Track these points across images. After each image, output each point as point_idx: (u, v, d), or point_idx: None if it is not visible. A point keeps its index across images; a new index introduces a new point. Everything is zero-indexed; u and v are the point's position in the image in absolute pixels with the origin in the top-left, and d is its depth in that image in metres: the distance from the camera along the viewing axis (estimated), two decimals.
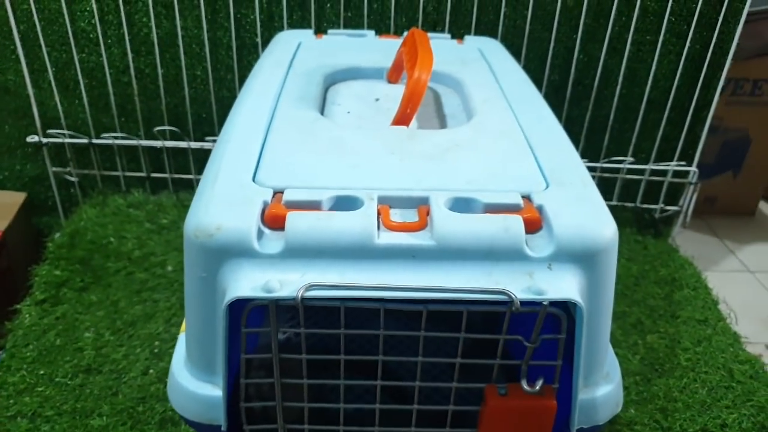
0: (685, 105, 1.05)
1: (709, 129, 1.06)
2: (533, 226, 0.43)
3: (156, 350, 0.78)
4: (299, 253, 0.41)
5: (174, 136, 1.05)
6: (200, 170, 0.88)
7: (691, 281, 0.96)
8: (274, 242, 0.42)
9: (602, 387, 0.47)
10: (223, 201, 0.43)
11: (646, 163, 1.08)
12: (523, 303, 0.41)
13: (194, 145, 1.05)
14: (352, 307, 0.41)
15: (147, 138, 1.06)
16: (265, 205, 0.43)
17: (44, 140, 1.04)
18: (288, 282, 0.40)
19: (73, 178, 1.09)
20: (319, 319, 0.60)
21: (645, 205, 1.12)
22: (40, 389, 0.72)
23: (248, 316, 0.43)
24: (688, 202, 1.10)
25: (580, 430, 0.47)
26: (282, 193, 0.44)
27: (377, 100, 0.64)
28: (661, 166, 1.08)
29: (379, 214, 0.43)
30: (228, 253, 0.41)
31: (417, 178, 0.47)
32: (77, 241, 0.95)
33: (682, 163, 1.07)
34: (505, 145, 0.52)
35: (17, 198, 1.10)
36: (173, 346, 0.50)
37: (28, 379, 0.73)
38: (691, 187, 1.09)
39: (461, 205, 0.44)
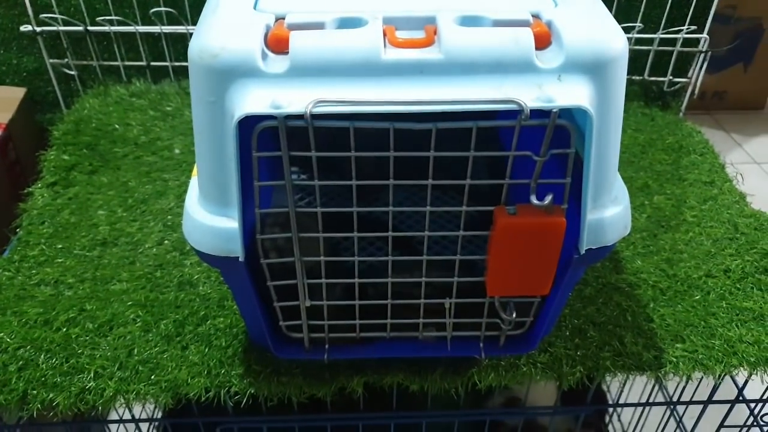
0: None
1: (721, 18, 1.00)
2: (543, 41, 0.42)
3: (169, 223, 0.79)
4: (305, 71, 0.41)
5: (171, 20, 1.02)
6: None
7: (699, 147, 0.96)
8: (279, 63, 0.41)
9: (611, 209, 0.48)
10: (225, 25, 0.42)
11: (655, 33, 1.05)
12: (533, 115, 0.41)
13: (193, 29, 1.02)
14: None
15: (144, 24, 1.03)
16: (268, 28, 0.42)
17: (38, 29, 1.01)
18: (296, 100, 0.40)
19: (72, 71, 1.08)
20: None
21: (652, 78, 1.10)
22: (59, 260, 0.74)
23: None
24: (697, 72, 1.08)
25: (589, 251, 0.48)
26: (284, 18, 0.43)
27: None
28: (670, 35, 1.04)
29: (384, 34, 0.42)
30: (233, 73, 0.41)
31: (423, 1, 0.46)
32: (82, 128, 0.95)
33: (693, 27, 1.04)
34: None
35: (18, 93, 1.08)
36: None
37: (47, 252, 0.75)
38: (701, 56, 1.06)
39: (469, 22, 0.43)
